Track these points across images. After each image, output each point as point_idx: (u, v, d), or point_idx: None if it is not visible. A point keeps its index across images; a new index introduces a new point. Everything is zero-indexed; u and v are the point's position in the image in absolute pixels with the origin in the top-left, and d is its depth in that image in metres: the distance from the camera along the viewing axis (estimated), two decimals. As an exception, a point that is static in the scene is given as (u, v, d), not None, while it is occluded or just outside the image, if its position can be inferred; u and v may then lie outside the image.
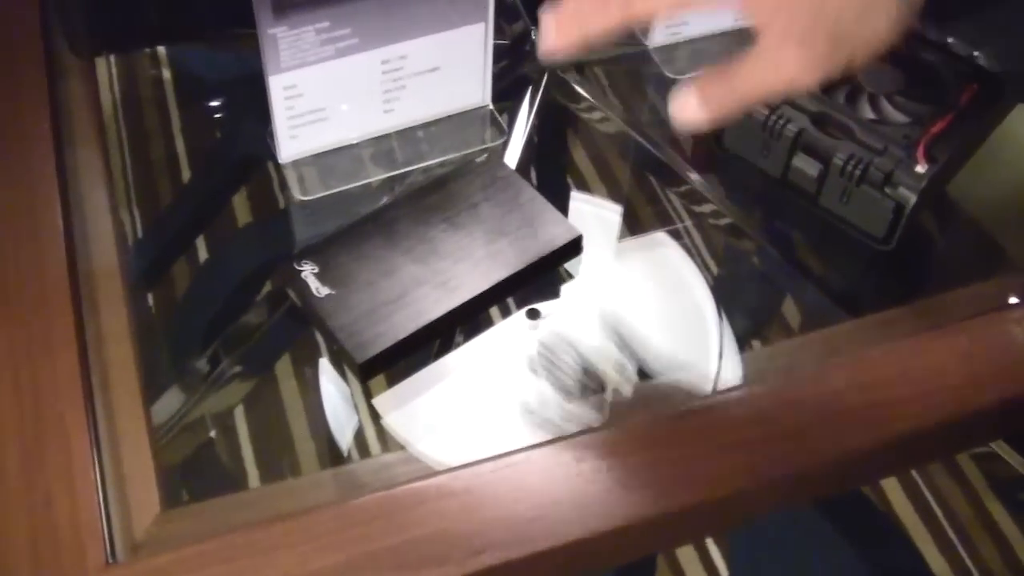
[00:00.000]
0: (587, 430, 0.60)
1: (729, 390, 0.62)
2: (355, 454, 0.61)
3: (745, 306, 0.71)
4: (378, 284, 0.63)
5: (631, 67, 0.84)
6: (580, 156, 0.78)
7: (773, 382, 0.63)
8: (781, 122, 0.70)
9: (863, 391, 0.62)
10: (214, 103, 0.79)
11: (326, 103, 0.70)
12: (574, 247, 0.67)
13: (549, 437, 0.59)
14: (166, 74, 0.82)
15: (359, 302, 0.62)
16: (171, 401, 0.62)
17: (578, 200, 0.73)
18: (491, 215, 0.67)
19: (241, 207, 0.73)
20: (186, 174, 0.75)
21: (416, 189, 0.69)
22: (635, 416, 0.62)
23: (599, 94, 0.81)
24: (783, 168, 0.71)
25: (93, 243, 0.68)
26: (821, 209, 0.71)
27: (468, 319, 0.64)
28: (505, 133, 0.76)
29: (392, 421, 0.61)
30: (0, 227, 0.67)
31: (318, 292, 0.62)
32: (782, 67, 0.50)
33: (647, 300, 0.68)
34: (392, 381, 0.62)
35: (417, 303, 0.62)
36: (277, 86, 0.67)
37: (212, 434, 0.61)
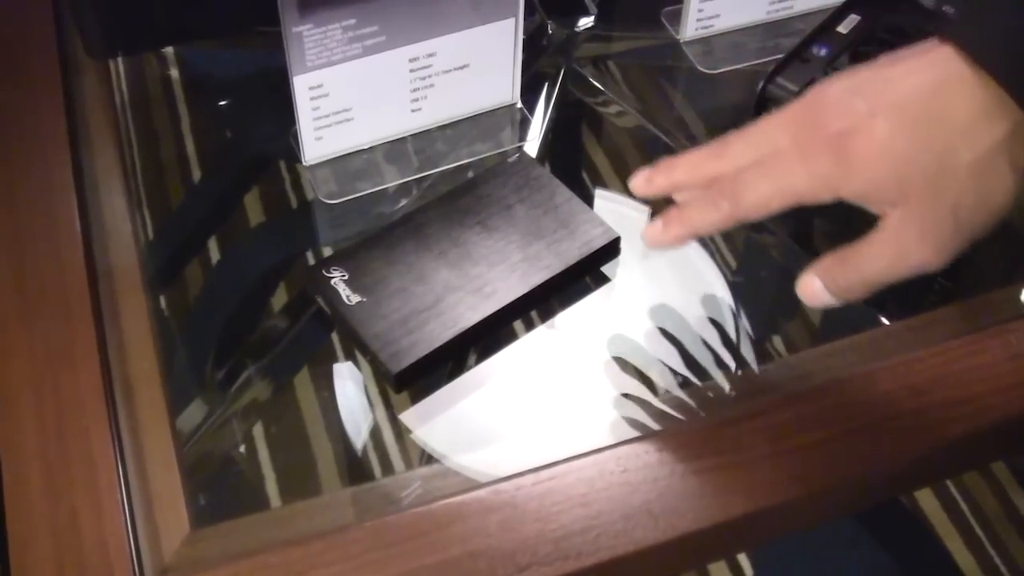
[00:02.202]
0: (632, 438, 0.57)
1: (780, 395, 0.59)
2: (384, 468, 0.58)
3: (766, 306, 0.69)
4: (411, 291, 0.60)
5: (656, 61, 0.81)
6: (598, 152, 0.76)
7: (821, 386, 0.60)
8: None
9: (914, 395, 0.59)
10: (227, 103, 0.76)
11: (352, 103, 0.67)
12: (612, 249, 0.64)
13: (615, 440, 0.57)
14: (175, 74, 0.80)
15: (392, 310, 0.59)
16: (195, 413, 0.60)
17: (604, 199, 0.70)
18: (526, 217, 0.64)
19: (254, 208, 0.71)
20: (198, 175, 0.73)
21: (447, 191, 0.66)
22: (680, 421, 0.59)
23: (618, 89, 0.78)
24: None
25: (112, 249, 0.66)
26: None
27: (504, 325, 0.62)
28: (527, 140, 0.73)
29: (423, 435, 0.59)
30: (17, 233, 0.65)
31: (349, 300, 0.60)
32: (909, 253, 0.49)
33: (674, 300, 0.66)
34: (418, 393, 0.60)
35: (452, 310, 0.60)
36: (302, 86, 0.65)
37: (241, 448, 0.59)
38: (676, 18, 0.80)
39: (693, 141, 0.75)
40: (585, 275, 0.65)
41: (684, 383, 0.61)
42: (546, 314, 0.64)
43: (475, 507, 0.54)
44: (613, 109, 0.77)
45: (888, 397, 0.60)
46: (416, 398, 0.60)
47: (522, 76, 0.73)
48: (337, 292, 0.60)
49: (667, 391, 0.61)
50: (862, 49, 0.70)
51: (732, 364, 0.62)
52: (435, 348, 0.58)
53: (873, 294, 0.51)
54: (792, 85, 0.69)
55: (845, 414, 0.59)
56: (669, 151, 0.74)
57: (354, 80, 0.66)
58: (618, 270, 0.66)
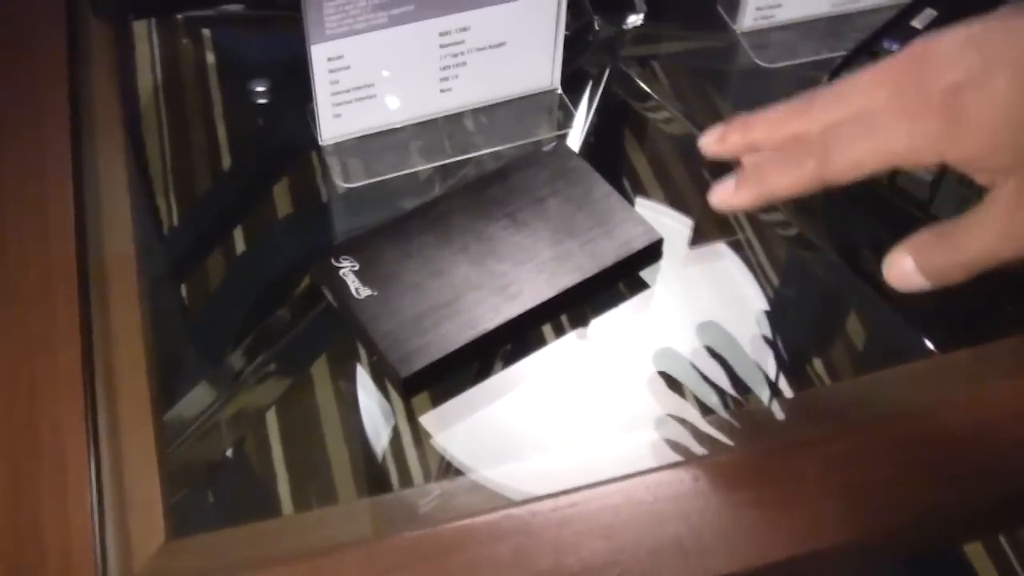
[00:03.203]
0: (664, 464, 0.51)
1: (833, 424, 0.53)
2: (387, 482, 0.52)
3: (812, 325, 0.62)
4: (427, 286, 0.54)
5: (708, 61, 0.75)
6: (640, 158, 0.69)
7: (880, 416, 0.54)
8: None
9: (984, 433, 0.53)
10: (258, 88, 0.70)
11: (375, 78, 0.62)
12: (653, 252, 0.58)
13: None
14: (210, 57, 0.74)
15: (404, 306, 0.54)
16: (183, 412, 0.54)
17: (645, 206, 0.64)
18: (559, 212, 0.58)
19: (282, 198, 0.65)
20: (207, 159, 0.67)
21: (474, 180, 0.60)
22: (719, 448, 0.53)
23: (665, 92, 0.72)
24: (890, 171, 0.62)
25: (108, 231, 0.60)
26: (932, 220, 0.62)
27: (530, 331, 0.56)
28: (572, 118, 0.67)
29: (439, 443, 0.53)
30: (8, 212, 0.59)
31: (358, 293, 0.54)
32: (1018, 235, 0.42)
33: (716, 313, 0.59)
34: (433, 399, 0.54)
35: (471, 310, 0.54)
36: (320, 56, 0.59)
37: (230, 453, 0.53)
38: (734, 9, 0.73)
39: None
40: (622, 279, 0.58)
41: (727, 405, 0.55)
42: (577, 320, 0.58)
43: (484, 533, 0.48)
44: (661, 115, 0.71)
45: (954, 433, 0.53)
46: (431, 403, 0.54)
47: (565, 75, 0.67)
48: (345, 284, 0.55)
49: (709, 412, 0.55)
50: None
51: (779, 387, 0.56)
52: (450, 352, 0.52)
53: (969, 277, 0.43)
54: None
55: (907, 450, 0.52)
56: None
57: (378, 53, 0.60)
58: (658, 276, 0.60)
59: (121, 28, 0.74)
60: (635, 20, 0.76)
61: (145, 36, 0.75)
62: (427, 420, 0.54)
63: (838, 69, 0.63)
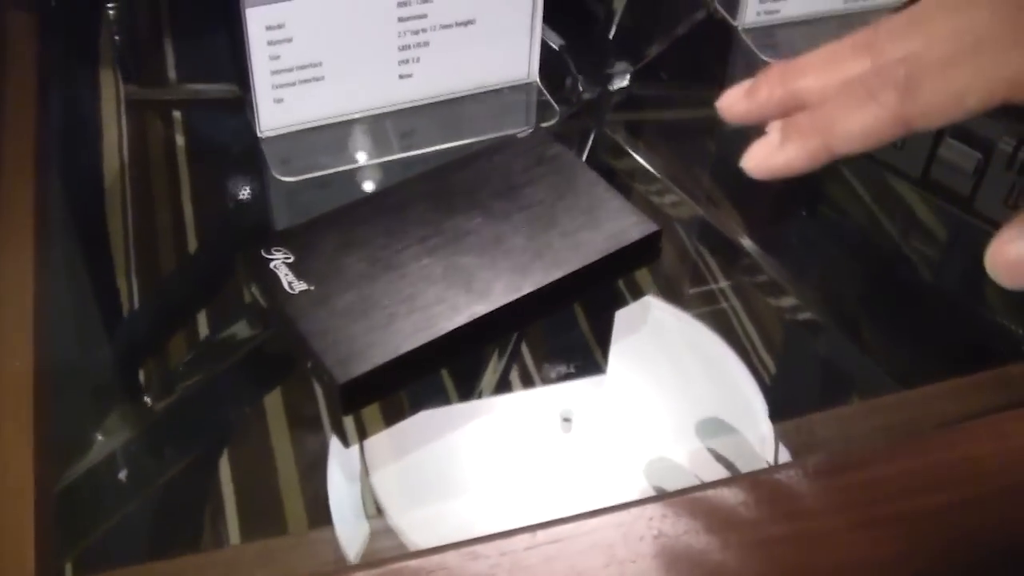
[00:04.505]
0: (670, 493, 0.41)
1: (875, 443, 0.43)
2: (317, 518, 0.42)
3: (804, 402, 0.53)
4: (374, 280, 0.45)
5: (700, 121, 0.65)
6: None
7: (933, 434, 0.44)
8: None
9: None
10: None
11: (323, 56, 0.53)
12: (649, 247, 0.49)
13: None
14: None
15: (346, 302, 0.44)
16: (71, 433, 0.44)
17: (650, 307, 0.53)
18: (537, 200, 0.49)
19: (188, 185, 0.56)
20: (128, 144, 0.58)
21: (436, 167, 0.51)
22: (736, 472, 0.43)
23: (658, 158, 0.63)
24: (924, 161, 0.54)
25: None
26: (975, 216, 0.53)
27: (498, 336, 0.46)
28: (558, 115, 0.58)
29: (381, 481, 0.43)
30: None
31: (291, 287, 0.45)
32: None
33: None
34: (378, 420, 0.44)
35: (428, 308, 0.44)
36: (257, 23, 0.50)
37: (122, 476, 0.43)
38: (734, 6, 0.66)
39: (752, 225, 0.58)
40: (612, 278, 0.49)
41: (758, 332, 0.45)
42: (558, 326, 0.48)
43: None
44: (653, 187, 0.61)
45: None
46: (377, 427, 0.44)
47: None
48: (277, 278, 0.45)
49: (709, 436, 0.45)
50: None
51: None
52: (399, 355, 0.42)
53: None
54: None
55: (966, 475, 0.42)
56: (711, 232, 0.57)
57: (325, 24, 0.52)
58: (655, 279, 0.50)
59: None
60: (621, 82, 0.68)
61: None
62: (372, 445, 0.44)
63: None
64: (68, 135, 0.60)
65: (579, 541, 0.39)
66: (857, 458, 0.42)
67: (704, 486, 0.41)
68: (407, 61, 0.55)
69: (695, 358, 0.49)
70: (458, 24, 0.55)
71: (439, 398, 0.46)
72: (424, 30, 0.54)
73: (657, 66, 0.66)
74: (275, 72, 0.52)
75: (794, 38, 0.66)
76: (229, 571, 0.40)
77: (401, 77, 0.56)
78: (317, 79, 0.54)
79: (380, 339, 0.42)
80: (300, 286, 0.44)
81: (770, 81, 0.36)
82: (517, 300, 0.45)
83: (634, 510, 0.40)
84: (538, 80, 0.59)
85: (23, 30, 0.62)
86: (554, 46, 0.58)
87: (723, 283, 0.53)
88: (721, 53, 0.66)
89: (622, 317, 0.50)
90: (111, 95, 0.62)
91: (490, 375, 0.48)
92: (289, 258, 0.46)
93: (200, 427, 0.47)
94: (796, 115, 0.35)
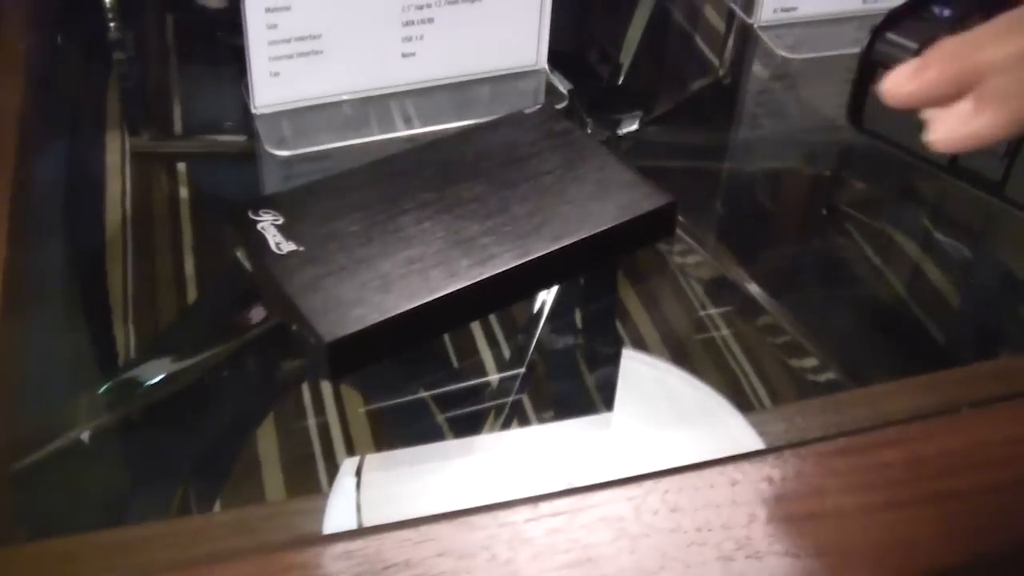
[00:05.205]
0: (684, 466, 0.37)
1: (915, 417, 0.39)
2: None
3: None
4: (371, 241, 0.42)
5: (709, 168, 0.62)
6: (632, 298, 0.54)
7: (979, 409, 0.40)
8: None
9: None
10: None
11: (323, 28, 0.51)
12: (663, 219, 0.45)
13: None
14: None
15: (338, 262, 0.41)
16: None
17: (632, 359, 0.49)
18: (544, 170, 0.46)
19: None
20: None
21: (437, 139, 0.49)
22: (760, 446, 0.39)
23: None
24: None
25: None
26: (1005, 201, 0.50)
27: (500, 306, 0.43)
28: (567, 102, 0.56)
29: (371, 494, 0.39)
30: None
31: (278, 248, 0.41)
32: None
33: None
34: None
35: (427, 271, 0.41)
36: (254, -9, 0.48)
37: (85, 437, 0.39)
38: (750, 3, 0.64)
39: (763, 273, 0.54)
40: (623, 251, 0.46)
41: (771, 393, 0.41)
42: (567, 299, 0.45)
43: (428, 549, 0.34)
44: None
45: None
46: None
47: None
48: (264, 239, 0.42)
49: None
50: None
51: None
52: (391, 317, 0.39)
53: None
54: (909, 42, 0.52)
55: (1006, 455, 0.38)
56: (726, 285, 0.54)
57: (326, -6, 0.50)
58: (672, 257, 0.47)
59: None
60: (631, 126, 0.65)
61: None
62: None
63: (881, 29, 0.52)
64: (71, 186, 0.58)
65: (585, 514, 0.35)
66: (892, 436, 0.39)
67: (724, 460, 0.37)
68: (411, 38, 0.53)
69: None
70: (464, 1, 0.53)
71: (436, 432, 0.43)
72: (429, 5, 0.52)
73: (666, 115, 0.64)
74: (272, 43, 0.50)
75: (814, 37, 0.63)
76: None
77: (404, 56, 0.53)
78: (316, 52, 0.51)
79: (372, 299, 0.39)
80: (288, 247, 0.41)
81: (942, 57, 0.35)
82: (521, 266, 0.42)
83: (647, 483, 0.36)
84: (547, 66, 0.57)
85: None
86: (563, 90, 0.56)
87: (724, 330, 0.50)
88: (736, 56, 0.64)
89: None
90: (116, 147, 0.59)
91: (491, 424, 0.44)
92: (278, 220, 0.42)
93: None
94: (987, 82, 0.34)
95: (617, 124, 0.64)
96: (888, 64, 0.53)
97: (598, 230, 0.43)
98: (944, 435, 0.39)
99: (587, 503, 0.36)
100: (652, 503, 0.36)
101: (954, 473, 0.37)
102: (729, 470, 0.37)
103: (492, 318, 0.46)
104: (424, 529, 0.34)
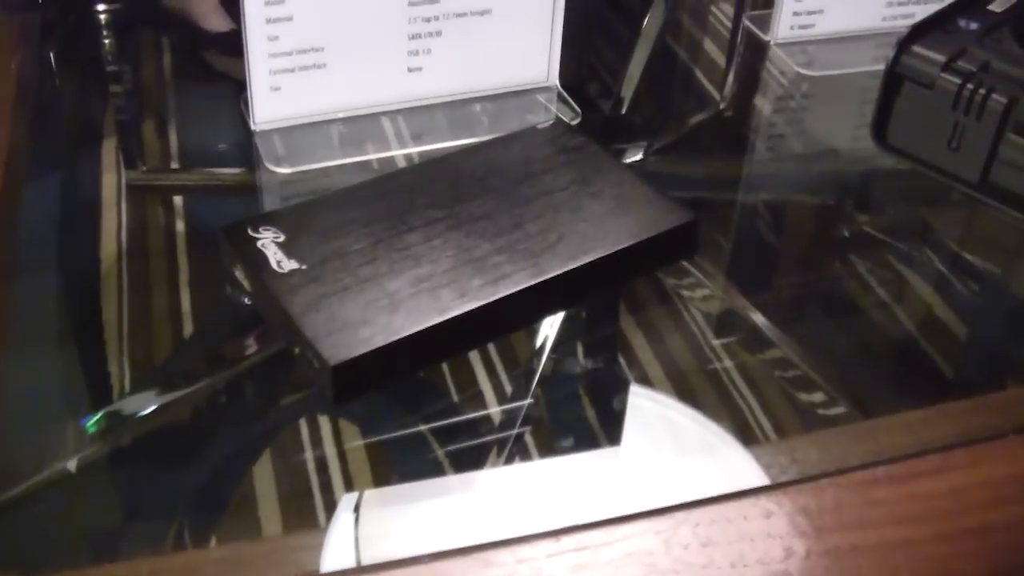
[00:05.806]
0: (715, 496, 0.35)
1: (957, 443, 0.37)
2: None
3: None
4: (377, 260, 0.39)
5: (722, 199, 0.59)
6: (636, 332, 0.51)
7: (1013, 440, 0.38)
8: (982, 92, 0.48)
9: None
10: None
11: (325, 41, 0.49)
12: (684, 238, 0.43)
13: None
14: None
15: (343, 281, 0.38)
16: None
17: (639, 396, 0.47)
18: (558, 186, 0.44)
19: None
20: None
21: (447, 154, 0.46)
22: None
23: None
24: (983, 163, 0.49)
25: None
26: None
27: (511, 328, 0.41)
28: (579, 118, 0.54)
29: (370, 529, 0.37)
30: None
31: (280, 266, 0.39)
32: None
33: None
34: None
35: (437, 291, 0.38)
36: (255, 2, 0.46)
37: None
38: (764, 21, 0.62)
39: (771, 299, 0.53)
40: (642, 272, 0.44)
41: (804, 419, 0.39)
42: (570, 330, 0.42)
43: (445, 586, 0.31)
44: (700, 292, 0.55)
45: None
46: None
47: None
48: (264, 256, 0.40)
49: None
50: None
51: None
52: (398, 340, 0.36)
53: None
54: (936, 55, 0.50)
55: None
56: (737, 319, 0.51)
57: (330, 7, 0.48)
58: (693, 275, 0.45)
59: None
60: (634, 156, 0.63)
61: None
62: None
63: (906, 42, 0.50)
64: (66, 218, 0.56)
65: (612, 549, 0.33)
66: (935, 464, 0.36)
67: (758, 490, 0.35)
68: (417, 52, 0.51)
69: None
70: (473, 13, 0.51)
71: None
72: (436, 17, 0.50)
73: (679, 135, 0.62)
74: (273, 55, 0.48)
75: (831, 54, 0.62)
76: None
77: (410, 70, 0.51)
78: (318, 66, 0.49)
79: (379, 320, 0.37)
80: (290, 265, 0.39)
81: None
82: (536, 285, 0.39)
83: (678, 515, 0.34)
84: (558, 83, 0.55)
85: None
86: (575, 107, 0.54)
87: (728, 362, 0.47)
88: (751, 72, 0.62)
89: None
90: (112, 181, 0.57)
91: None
92: (279, 237, 0.40)
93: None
94: None
95: (621, 154, 0.63)
96: (917, 78, 0.52)
97: (616, 248, 0.41)
98: (990, 463, 0.36)
99: (613, 537, 0.33)
100: (683, 536, 0.33)
101: (1004, 503, 0.35)
102: (763, 501, 0.34)
103: (491, 348, 0.44)
104: (435, 566, 0.32)
